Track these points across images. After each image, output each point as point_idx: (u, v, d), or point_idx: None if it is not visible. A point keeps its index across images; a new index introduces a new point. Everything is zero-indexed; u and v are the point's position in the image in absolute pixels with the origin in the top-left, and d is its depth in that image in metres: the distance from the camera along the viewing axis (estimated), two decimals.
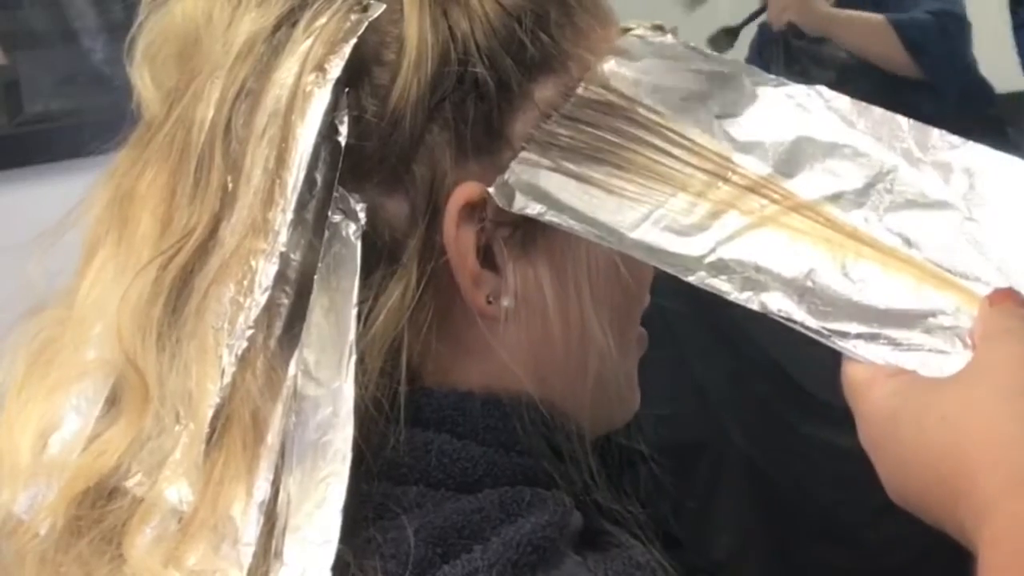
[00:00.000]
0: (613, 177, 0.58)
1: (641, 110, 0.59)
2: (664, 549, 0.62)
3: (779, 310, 0.56)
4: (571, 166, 0.57)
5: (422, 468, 0.56)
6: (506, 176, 0.57)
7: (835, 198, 0.58)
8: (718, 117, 0.59)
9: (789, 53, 2.43)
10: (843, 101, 0.60)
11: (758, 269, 0.56)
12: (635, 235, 0.57)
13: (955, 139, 0.59)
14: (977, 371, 0.52)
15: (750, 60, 2.51)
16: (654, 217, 0.57)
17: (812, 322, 0.55)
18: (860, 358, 0.55)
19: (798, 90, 0.60)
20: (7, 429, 0.57)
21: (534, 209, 0.56)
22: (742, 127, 0.59)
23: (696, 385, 2.22)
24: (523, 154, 0.57)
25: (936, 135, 0.59)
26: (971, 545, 0.49)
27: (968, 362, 0.53)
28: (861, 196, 0.58)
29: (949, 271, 0.56)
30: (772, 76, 0.61)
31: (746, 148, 0.59)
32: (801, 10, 2.40)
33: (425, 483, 0.56)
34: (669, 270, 0.57)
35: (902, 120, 0.59)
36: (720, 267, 0.57)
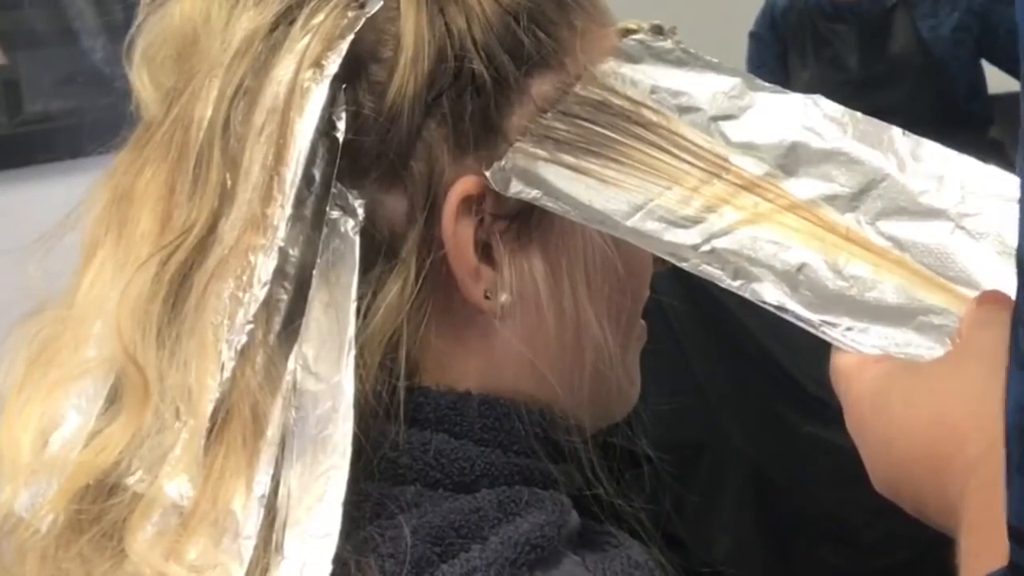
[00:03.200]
0: (608, 169, 0.58)
1: (638, 109, 0.59)
2: (666, 548, 0.63)
3: (771, 299, 0.56)
4: (567, 157, 0.58)
5: (420, 468, 0.57)
6: (503, 162, 0.57)
7: (829, 200, 0.58)
8: (715, 119, 0.60)
9: (817, 36, 2.41)
10: (839, 111, 0.60)
11: (751, 261, 0.57)
12: (629, 223, 0.57)
13: (949, 152, 0.60)
14: (965, 352, 0.53)
15: (756, 51, 2.49)
16: (649, 208, 0.58)
17: (804, 312, 0.56)
18: (849, 347, 0.55)
19: (795, 99, 0.61)
20: (8, 428, 0.57)
21: (529, 194, 0.57)
22: (739, 130, 0.60)
23: (696, 384, 2.22)
24: (519, 144, 0.58)
25: (928, 147, 0.60)
26: (954, 519, 0.49)
27: (955, 345, 0.54)
28: (854, 200, 0.58)
29: (938, 275, 0.57)
30: (769, 84, 0.61)
31: (742, 149, 0.59)
32: None
33: (423, 483, 0.57)
34: (663, 256, 0.58)
35: (896, 131, 0.60)
36: (714, 256, 0.57)
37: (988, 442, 0.47)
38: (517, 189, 0.57)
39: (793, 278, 0.57)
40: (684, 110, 0.60)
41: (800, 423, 2.12)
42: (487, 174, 0.57)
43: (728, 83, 0.61)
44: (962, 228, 0.58)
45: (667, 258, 0.57)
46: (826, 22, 2.46)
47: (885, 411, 0.52)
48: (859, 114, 0.60)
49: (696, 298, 1.92)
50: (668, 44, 0.62)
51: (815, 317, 0.56)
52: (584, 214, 0.57)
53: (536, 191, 0.57)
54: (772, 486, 2.20)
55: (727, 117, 0.60)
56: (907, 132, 0.60)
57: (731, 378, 2.22)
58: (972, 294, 0.56)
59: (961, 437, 0.48)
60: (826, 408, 2.00)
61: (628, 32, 0.62)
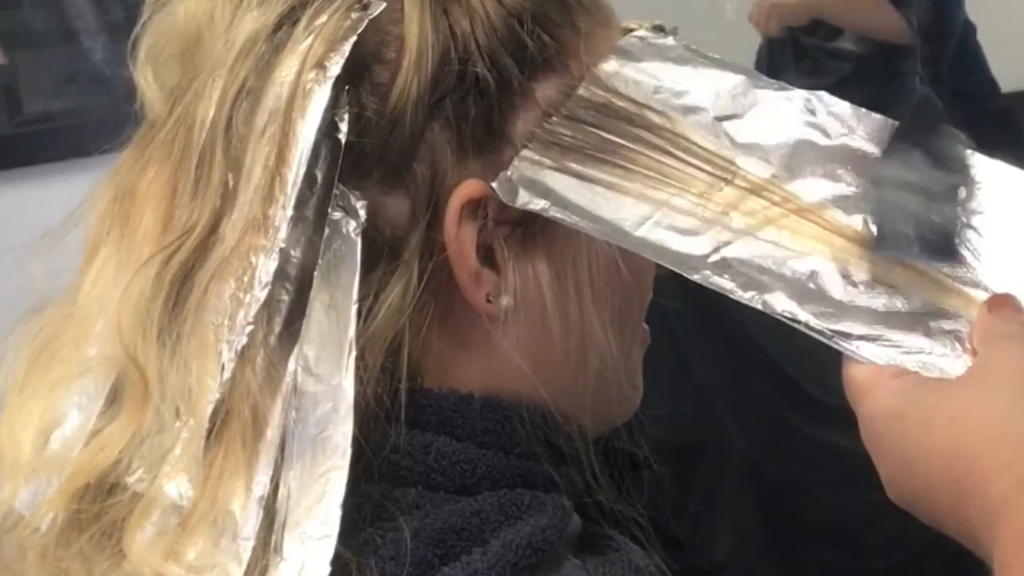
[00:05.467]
0: (616, 176, 0.58)
1: (642, 111, 0.59)
2: (665, 550, 0.63)
3: (783, 310, 0.56)
4: (573, 165, 0.58)
5: (421, 470, 0.57)
6: (509, 172, 0.57)
7: (836, 201, 0.58)
8: (719, 119, 0.59)
9: (799, 50, 2.43)
10: (844, 107, 0.60)
11: (761, 270, 0.57)
12: (639, 233, 0.57)
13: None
14: (984, 374, 0.53)
15: (758, 62, 2.50)
16: (657, 216, 0.58)
17: (815, 323, 0.56)
18: (863, 359, 0.55)
19: (799, 95, 0.61)
20: (8, 426, 0.57)
21: (538, 205, 0.57)
22: (743, 130, 0.59)
23: (697, 385, 2.22)
24: (525, 152, 0.58)
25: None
26: (976, 545, 0.49)
27: (972, 366, 0.54)
28: (861, 200, 0.58)
29: (948, 276, 0.57)
30: (773, 80, 0.61)
31: (748, 150, 0.59)
32: (783, 9, 2.40)
33: (424, 485, 0.57)
34: (673, 268, 0.57)
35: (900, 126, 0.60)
36: (724, 267, 0.57)
37: (1016, 481, 0.47)
38: (525, 200, 0.56)
39: (803, 286, 0.56)
40: (688, 110, 0.59)
41: (800, 425, 2.13)
42: (494, 186, 0.57)
43: (731, 81, 0.60)
44: (969, 226, 0.58)
45: (677, 270, 0.57)
46: (805, 37, 2.47)
47: (903, 434, 0.52)
48: (863, 109, 0.60)
49: (697, 301, 1.92)
50: (670, 41, 0.62)
51: (827, 327, 0.56)
52: (593, 225, 0.57)
53: (544, 202, 0.57)
54: (772, 487, 2.21)
55: (731, 117, 0.59)
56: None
57: (731, 380, 2.23)
58: (981, 295, 0.56)
59: (983, 472, 0.48)
60: (826, 410, 2.00)
61: (629, 31, 0.62)
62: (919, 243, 0.57)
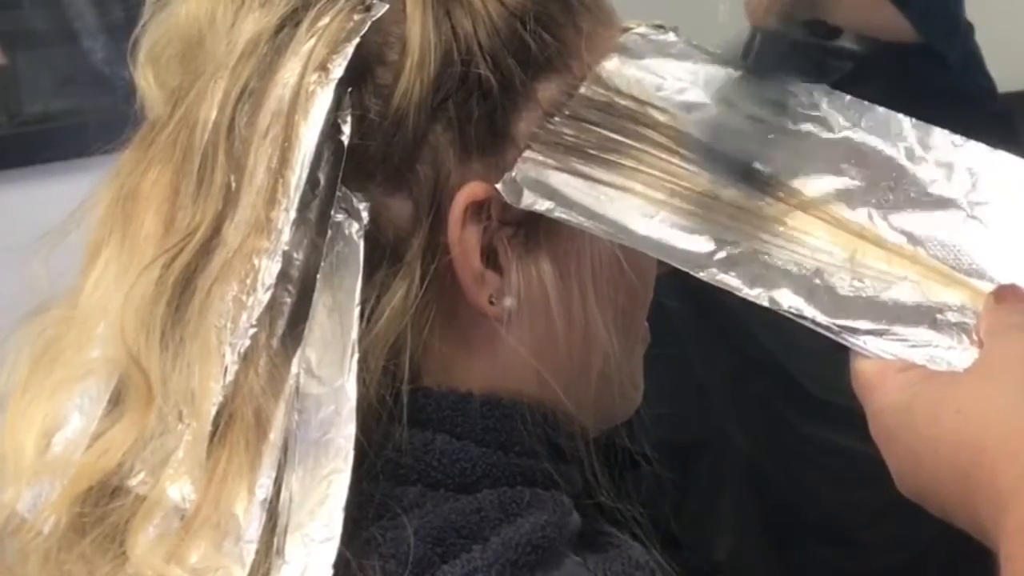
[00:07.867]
0: (620, 175, 0.58)
1: (645, 109, 0.59)
2: (664, 549, 0.63)
3: (789, 307, 0.56)
4: (577, 165, 0.58)
5: (422, 468, 0.57)
6: (513, 173, 0.57)
7: (841, 195, 0.58)
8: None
9: (797, 49, 2.42)
10: (846, 100, 0.60)
11: (767, 267, 0.57)
12: (644, 232, 0.57)
13: (957, 138, 0.59)
14: (990, 366, 0.53)
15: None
16: (662, 215, 0.58)
17: (822, 318, 0.56)
18: (870, 353, 0.55)
19: (800, 89, 0.61)
20: (11, 428, 0.57)
21: (542, 205, 0.57)
22: None
23: (697, 384, 2.22)
24: (528, 152, 0.58)
25: (938, 134, 0.59)
26: (985, 536, 0.49)
27: (979, 357, 0.54)
28: (865, 194, 0.58)
29: (953, 268, 0.57)
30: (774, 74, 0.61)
31: None
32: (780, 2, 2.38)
33: (425, 483, 0.57)
34: (679, 266, 0.57)
35: (904, 119, 0.60)
36: (729, 264, 0.57)
37: (1020, 471, 0.47)
38: (530, 201, 0.56)
39: (809, 282, 0.56)
40: (690, 107, 0.59)
41: (800, 424, 2.13)
42: (498, 187, 0.57)
43: (731, 76, 0.60)
44: (974, 217, 0.58)
45: (683, 268, 0.57)
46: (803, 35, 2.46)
47: (911, 427, 0.52)
48: (866, 102, 0.60)
49: (697, 299, 1.92)
50: (671, 37, 0.62)
51: (834, 323, 0.56)
52: (599, 225, 0.57)
53: (549, 202, 0.57)
54: (772, 486, 2.21)
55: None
56: (915, 120, 0.60)
57: (732, 379, 2.23)
58: (987, 286, 0.56)
59: (991, 463, 0.48)
60: (827, 408, 2.01)
61: (629, 31, 0.62)
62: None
